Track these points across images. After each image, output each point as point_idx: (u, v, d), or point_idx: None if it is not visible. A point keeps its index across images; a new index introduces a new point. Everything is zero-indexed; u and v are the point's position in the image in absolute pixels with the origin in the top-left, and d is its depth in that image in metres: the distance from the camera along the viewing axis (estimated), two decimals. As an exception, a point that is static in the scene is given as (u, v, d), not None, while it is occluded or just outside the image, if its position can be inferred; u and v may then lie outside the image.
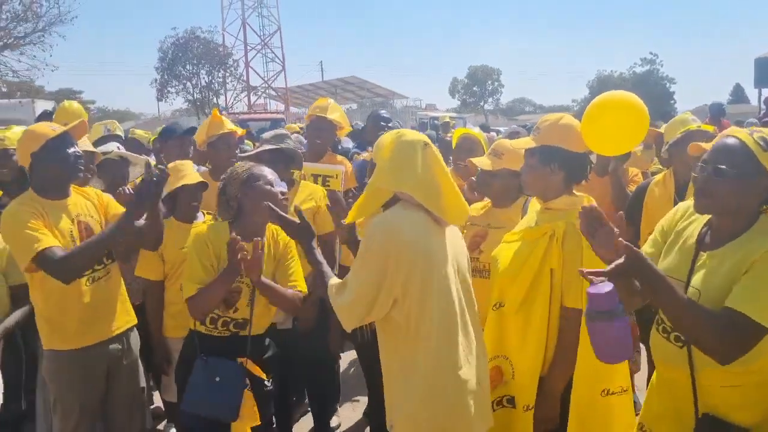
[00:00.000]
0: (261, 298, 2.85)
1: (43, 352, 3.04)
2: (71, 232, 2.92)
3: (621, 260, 1.77)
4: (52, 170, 2.91)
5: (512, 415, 2.48)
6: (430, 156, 2.18)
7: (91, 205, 3.08)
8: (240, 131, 4.47)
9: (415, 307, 2.11)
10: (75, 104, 5.45)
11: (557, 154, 2.46)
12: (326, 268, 2.36)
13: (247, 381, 2.80)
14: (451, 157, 4.35)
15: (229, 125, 4.20)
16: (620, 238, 1.85)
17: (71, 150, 2.92)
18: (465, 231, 3.16)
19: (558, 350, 2.41)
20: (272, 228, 2.95)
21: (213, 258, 2.79)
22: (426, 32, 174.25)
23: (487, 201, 3.29)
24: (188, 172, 3.59)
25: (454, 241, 2.30)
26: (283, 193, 2.85)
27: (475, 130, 4.54)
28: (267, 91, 51.90)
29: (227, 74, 41.99)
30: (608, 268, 1.79)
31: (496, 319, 2.53)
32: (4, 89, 28.55)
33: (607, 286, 1.75)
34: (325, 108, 4.53)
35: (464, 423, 2.16)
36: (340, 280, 2.23)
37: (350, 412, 4.58)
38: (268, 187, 2.81)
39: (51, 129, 2.94)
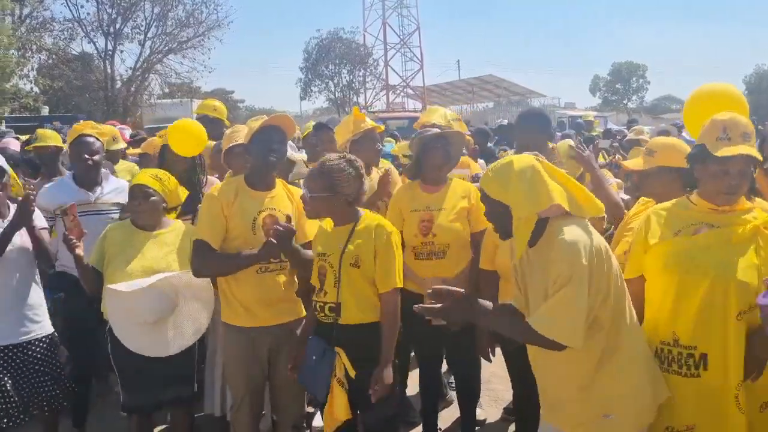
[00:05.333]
0: (344, 284, 2.92)
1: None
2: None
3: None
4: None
5: None
6: (547, 166, 2.31)
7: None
8: (380, 128, 4.56)
9: (615, 299, 2.28)
10: (216, 102, 5.74)
11: None
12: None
13: (336, 371, 2.89)
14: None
15: (370, 122, 4.32)
16: None
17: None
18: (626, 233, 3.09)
19: None
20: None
21: None
22: (566, 28, 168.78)
23: (642, 202, 3.19)
24: None
25: None
26: None
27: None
28: (405, 89, 52.76)
29: (367, 73, 43.18)
30: None
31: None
32: (166, 90, 30.89)
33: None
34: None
35: (663, 386, 2.39)
36: (542, 313, 2.22)
37: (493, 409, 4.64)
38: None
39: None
